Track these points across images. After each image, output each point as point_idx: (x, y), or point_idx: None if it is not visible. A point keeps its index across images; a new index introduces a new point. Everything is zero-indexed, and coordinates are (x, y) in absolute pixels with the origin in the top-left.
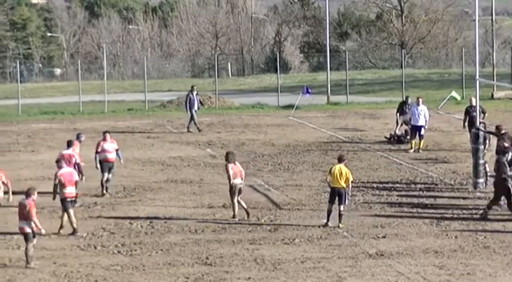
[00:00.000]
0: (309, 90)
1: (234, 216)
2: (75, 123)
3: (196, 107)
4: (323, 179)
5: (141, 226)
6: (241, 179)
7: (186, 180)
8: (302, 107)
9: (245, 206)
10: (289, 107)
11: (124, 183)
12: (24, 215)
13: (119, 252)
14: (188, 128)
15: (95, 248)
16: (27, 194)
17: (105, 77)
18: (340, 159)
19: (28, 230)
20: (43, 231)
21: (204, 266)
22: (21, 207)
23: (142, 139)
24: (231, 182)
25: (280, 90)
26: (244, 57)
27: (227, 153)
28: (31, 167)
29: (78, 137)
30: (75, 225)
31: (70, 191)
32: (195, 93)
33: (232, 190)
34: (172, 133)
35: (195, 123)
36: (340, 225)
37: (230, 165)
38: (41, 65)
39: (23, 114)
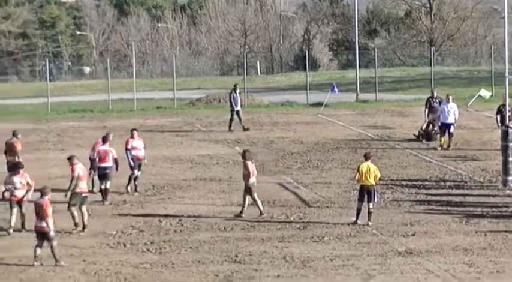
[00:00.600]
0: (337, 88)
1: (261, 213)
2: (104, 121)
3: (239, 106)
4: (351, 177)
5: (171, 224)
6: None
7: (215, 178)
8: (331, 104)
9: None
10: (318, 104)
11: (153, 181)
12: (41, 214)
13: (148, 250)
14: (230, 127)
15: (124, 246)
16: (43, 193)
17: (134, 75)
18: (366, 157)
19: (47, 229)
20: (52, 234)
21: (233, 263)
22: (37, 206)
23: (171, 137)
24: (250, 180)
25: (309, 88)
26: (273, 55)
27: (245, 151)
28: (60, 165)
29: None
30: (79, 221)
31: (84, 186)
32: (238, 91)
33: (249, 188)
34: (201, 131)
35: (240, 120)
36: (370, 223)
37: (249, 163)
38: (70, 63)
39: (52, 113)
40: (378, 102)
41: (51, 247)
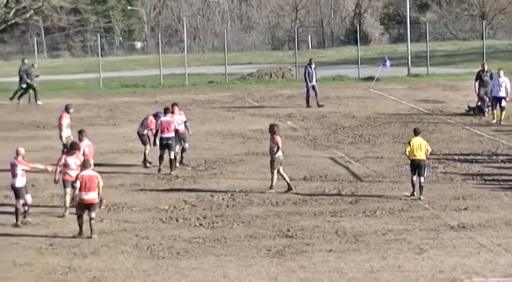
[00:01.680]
0: (388, 62)
1: (271, 187)
2: (156, 96)
3: (315, 80)
4: (403, 152)
5: (223, 199)
6: None
7: (266, 153)
8: (382, 78)
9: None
10: (370, 79)
11: (205, 156)
12: (90, 187)
13: (200, 224)
14: (308, 103)
15: (177, 220)
16: (88, 166)
17: (186, 50)
18: (416, 132)
19: (95, 200)
20: (97, 206)
21: (285, 238)
22: (92, 179)
23: (223, 112)
24: (278, 153)
25: (360, 62)
26: (324, 29)
27: (274, 125)
28: (112, 140)
29: (156, 115)
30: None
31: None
32: (313, 66)
33: (277, 162)
34: (252, 106)
35: (316, 96)
36: (421, 197)
37: (278, 137)
38: (121, 39)
39: (104, 88)
40: (429, 76)
41: (91, 219)
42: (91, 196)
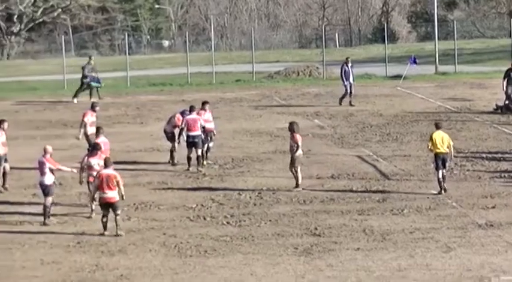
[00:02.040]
0: (416, 60)
1: (298, 185)
2: (183, 94)
3: (351, 79)
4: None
5: (250, 197)
6: None
7: None
8: (410, 77)
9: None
10: (397, 77)
11: (232, 154)
12: (110, 185)
13: (227, 223)
14: (340, 101)
15: (204, 219)
16: (107, 164)
17: (213, 48)
18: (437, 126)
19: (115, 199)
20: (119, 204)
21: (312, 236)
22: (105, 177)
23: (250, 110)
24: (299, 152)
25: (388, 61)
26: (351, 27)
27: (294, 123)
28: (140, 138)
29: (183, 112)
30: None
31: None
32: (350, 64)
33: (298, 160)
34: (279, 104)
35: (350, 96)
36: (445, 189)
37: (298, 135)
38: (149, 37)
39: (132, 86)
40: (457, 74)
41: (116, 216)
42: (111, 195)
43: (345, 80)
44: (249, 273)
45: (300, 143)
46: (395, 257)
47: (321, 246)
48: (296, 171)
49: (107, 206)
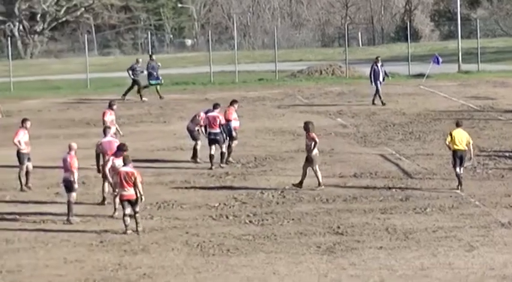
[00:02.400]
0: (440, 59)
1: (320, 184)
2: (206, 93)
3: (381, 79)
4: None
5: (273, 196)
6: None
7: None
8: (433, 75)
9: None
10: (420, 75)
11: (255, 153)
12: (130, 182)
13: (250, 221)
14: (373, 100)
15: (227, 217)
16: (126, 161)
17: (236, 47)
18: (458, 124)
19: (135, 196)
20: (139, 201)
21: (335, 235)
22: (129, 175)
23: (273, 109)
24: (315, 151)
25: (411, 59)
26: (374, 26)
27: (309, 123)
28: (163, 137)
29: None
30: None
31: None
32: (379, 64)
33: (311, 159)
34: (302, 103)
35: (379, 95)
36: (460, 188)
37: (314, 134)
38: (172, 36)
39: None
40: (480, 73)
41: (135, 213)
42: (129, 192)
43: (374, 79)
44: (272, 272)
45: (317, 140)
46: (418, 256)
47: (343, 244)
48: (316, 170)
49: (127, 203)
